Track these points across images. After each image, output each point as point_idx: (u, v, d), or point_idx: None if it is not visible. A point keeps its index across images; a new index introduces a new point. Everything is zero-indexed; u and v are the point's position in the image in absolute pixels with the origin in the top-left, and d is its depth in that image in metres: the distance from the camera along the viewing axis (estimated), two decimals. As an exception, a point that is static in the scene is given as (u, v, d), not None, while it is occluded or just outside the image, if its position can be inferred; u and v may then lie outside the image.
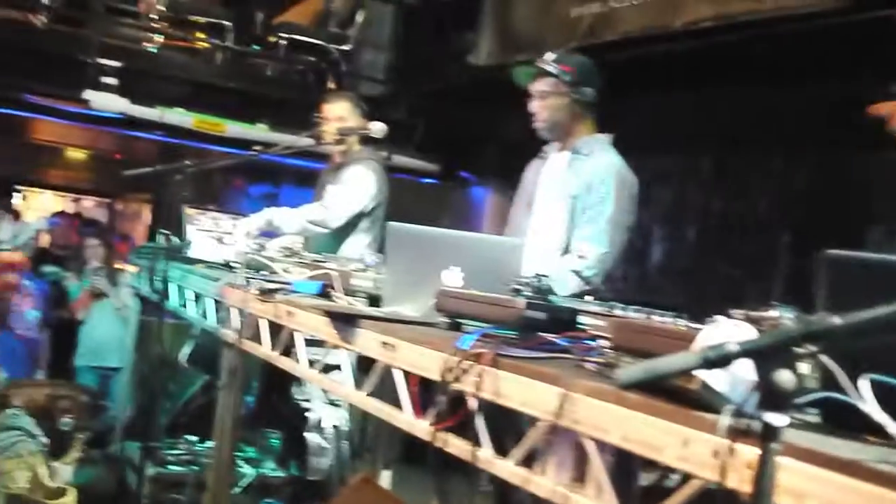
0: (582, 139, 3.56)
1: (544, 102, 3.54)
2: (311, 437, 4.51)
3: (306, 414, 4.56)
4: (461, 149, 7.82)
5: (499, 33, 6.76)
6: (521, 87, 3.64)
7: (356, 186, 4.55)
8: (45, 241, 7.67)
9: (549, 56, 3.58)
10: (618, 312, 2.16)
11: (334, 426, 4.53)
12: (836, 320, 1.04)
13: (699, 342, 1.44)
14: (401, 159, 7.48)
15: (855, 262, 1.38)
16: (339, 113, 4.65)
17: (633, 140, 6.59)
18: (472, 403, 1.91)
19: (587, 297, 2.45)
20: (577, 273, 3.36)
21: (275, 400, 4.86)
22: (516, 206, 3.82)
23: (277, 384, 4.69)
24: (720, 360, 1.04)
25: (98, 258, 6.61)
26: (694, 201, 6.02)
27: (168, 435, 4.81)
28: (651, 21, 5.43)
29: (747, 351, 1.04)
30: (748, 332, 1.42)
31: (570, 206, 3.43)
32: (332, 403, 4.45)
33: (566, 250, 3.45)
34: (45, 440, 4.70)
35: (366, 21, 8.43)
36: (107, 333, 6.44)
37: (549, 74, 3.52)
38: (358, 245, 4.58)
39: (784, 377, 1.04)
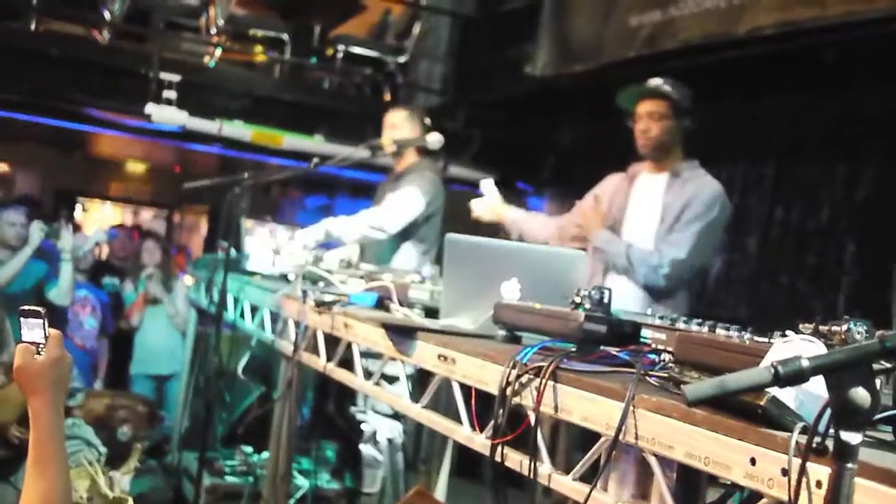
0: (680, 164, 3.76)
1: (658, 123, 3.72)
2: (366, 450, 4.50)
3: (361, 426, 4.56)
4: (518, 159, 7.79)
5: (556, 44, 6.71)
6: (623, 108, 3.83)
7: (413, 193, 4.58)
8: (103, 252, 7.79)
9: (660, 81, 3.78)
10: (680, 325, 2.12)
11: (388, 439, 4.52)
12: (917, 336, 0.99)
13: (770, 358, 1.39)
14: (457, 170, 7.46)
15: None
16: (392, 121, 4.69)
17: (694, 148, 6.53)
18: (532, 417, 1.88)
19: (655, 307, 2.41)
20: (651, 266, 3.53)
21: (330, 411, 4.86)
22: (579, 209, 3.95)
23: (333, 396, 4.70)
24: (793, 376, 1.00)
25: (154, 262, 6.68)
26: (756, 211, 5.90)
27: (224, 445, 4.85)
28: (713, 28, 5.35)
29: (821, 367, 1.00)
30: (819, 349, 1.37)
31: (667, 222, 3.62)
32: (387, 415, 4.44)
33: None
34: (103, 450, 4.75)
35: (422, 32, 8.45)
36: (159, 341, 6.51)
37: (664, 97, 3.71)
38: (413, 253, 4.60)
39: (859, 395, 1.00)
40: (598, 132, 7.30)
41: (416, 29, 8.25)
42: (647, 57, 5.86)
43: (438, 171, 5.12)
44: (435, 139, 4.20)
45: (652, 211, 3.71)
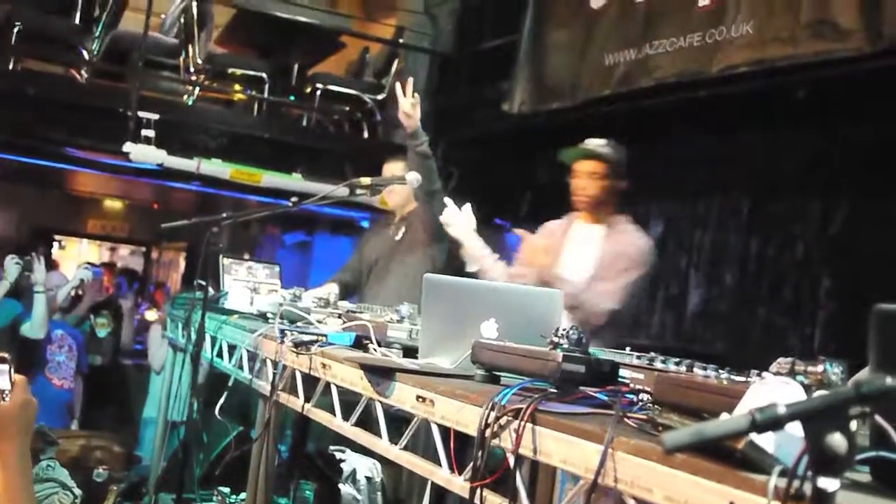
0: (614, 217, 4.01)
1: (595, 183, 3.95)
2: (345, 489, 4.47)
3: (340, 465, 4.53)
4: (495, 196, 7.83)
5: (533, 82, 6.78)
6: (564, 163, 4.06)
7: None
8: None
9: (600, 142, 4.01)
10: (658, 365, 2.12)
11: (367, 477, 4.48)
12: (890, 381, 1.00)
13: (746, 403, 1.40)
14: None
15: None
16: (393, 172, 4.72)
17: (670, 185, 6.60)
18: (511, 460, 1.87)
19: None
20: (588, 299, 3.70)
21: (309, 450, 4.83)
22: (534, 244, 4.00)
23: (311, 435, 4.67)
24: (770, 423, 1.00)
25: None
26: (732, 245, 5.95)
27: (201, 486, 4.79)
28: (687, 67, 5.43)
29: (797, 414, 1.00)
30: (796, 391, 1.38)
31: (600, 273, 3.84)
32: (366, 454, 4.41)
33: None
34: (79, 492, 4.69)
35: (401, 70, 8.51)
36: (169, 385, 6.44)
37: (603, 159, 3.95)
38: None
39: (836, 441, 1.00)
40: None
41: (395, 66, 8.30)
42: (623, 94, 5.92)
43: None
44: (413, 177, 4.22)
45: (585, 259, 3.93)
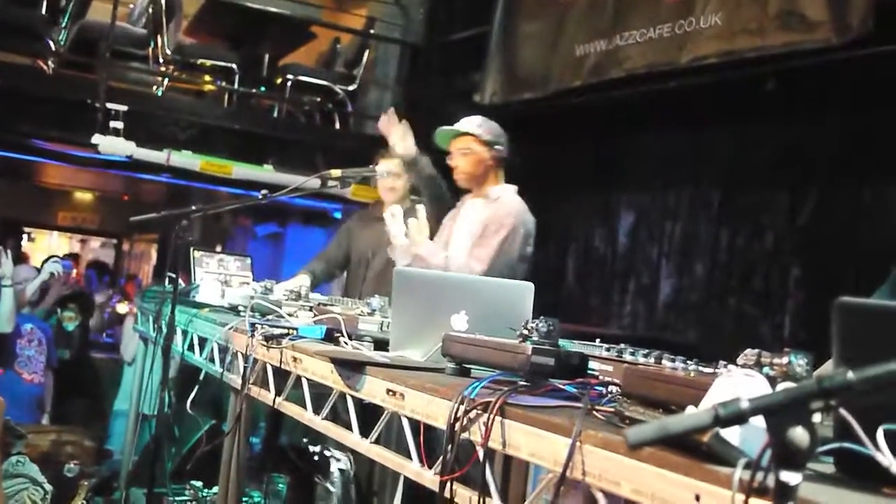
0: (493, 188, 4.13)
1: (465, 158, 4.10)
2: (319, 481, 4.46)
3: (314, 457, 4.52)
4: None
5: (504, 73, 6.79)
6: (440, 148, 4.22)
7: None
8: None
9: (464, 120, 4.18)
10: (628, 357, 2.14)
11: (340, 469, 4.48)
12: (850, 375, 1.01)
13: (711, 396, 1.41)
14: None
15: (868, 310, 1.35)
16: (390, 169, 4.71)
17: (641, 175, 6.63)
18: (481, 453, 1.88)
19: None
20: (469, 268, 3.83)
21: (282, 443, 4.82)
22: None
23: (285, 427, 4.66)
24: (732, 418, 1.01)
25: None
26: (703, 236, 5.99)
27: (173, 481, 4.76)
28: (656, 58, 5.46)
29: (760, 409, 1.01)
30: (760, 384, 1.39)
31: (474, 239, 3.99)
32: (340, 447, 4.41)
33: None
34: (49, 488, 4.66)
35: (371, 61, 8.48)
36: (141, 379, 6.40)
37: (468, 134, 4.09)
38: None
39: (798, 434, 1.01)
40: (548, 158, 7.36)
41: (366, 57, 8.27)
42: (594, 85, 5.94)
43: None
44: (384, 170, 4.22)
45: (467, 231, 4.08)
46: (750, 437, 1.32)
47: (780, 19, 4.69)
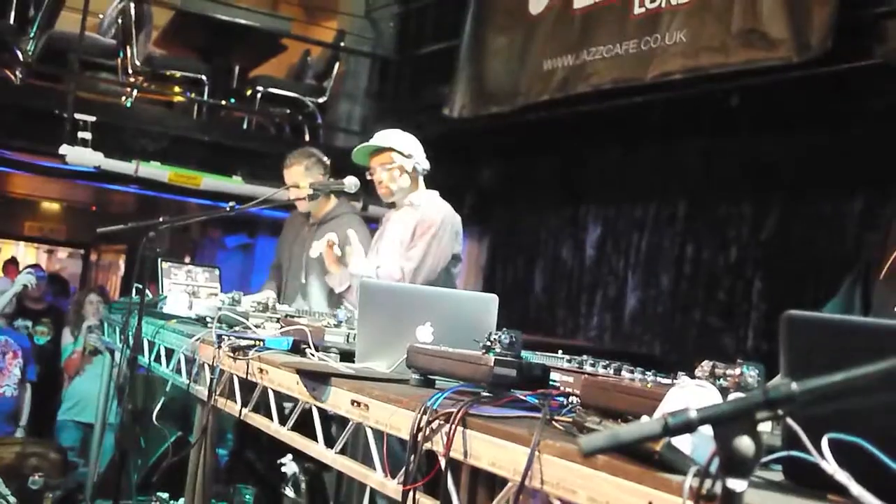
0: (416, 195, 4.21)
1: (387, 173, 4.15)
2: (287, 492, 4.46)
3: (281, 468, 4.52)
4: (452, 192, 7.87)
5: (473, 87, 6.83)
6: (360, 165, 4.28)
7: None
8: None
9: (379, 134, 4.25)
10: (588, 368, 2.18)
11: (307, 480, 4.48)
12: (794, 387, 1.05)
13: (664, 406, 1.45)
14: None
15: (815, 322, 1.40)
16: (294, 180, 4.76)
17: (608, 188, 6.70)
18: (443, 462, 1.91)
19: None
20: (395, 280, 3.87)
21: (249, 454, 4.81)
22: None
23: (252, 438, 4.64)
24: (681, 427, 1.05)
25: (97, 315, 6.52)
26: (668, 249, 6.06)
27: (139, 493, 4.75)
28: (623, 74, 5.53)
29: (707, 418, 1.05)
30: (712, 395, 1.43)
31: (404, 244, 4.04)
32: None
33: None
34: (13, 500, 4.62)
35: (342, 73, 8.50)
36: (92, 389, 6.36)
37: (386, 149, 4.15)
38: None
39: (743, 444, 1.05)
40: (516, 171, 7.43)
41: (336, 70, 8.29)
42: (561, 100, 6.00)
43: (358, 213, 5.19)
44: (352, 182, 4.23)
45: (397, 240, 4.13)
46: (701, 445, 1.36)
47: (742, 37, 4.77)
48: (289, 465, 4.50)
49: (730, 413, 1.07)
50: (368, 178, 4.24)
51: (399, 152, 4.16)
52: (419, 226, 4.04)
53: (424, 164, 4.22)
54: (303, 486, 4.43)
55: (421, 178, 4.26)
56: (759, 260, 5.45)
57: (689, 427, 1.06)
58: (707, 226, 5.79)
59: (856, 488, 1.25)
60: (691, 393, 1.44)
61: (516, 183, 7.39)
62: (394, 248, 4.13)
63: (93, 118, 6.82)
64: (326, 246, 4.15)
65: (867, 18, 4.44)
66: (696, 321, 5.80)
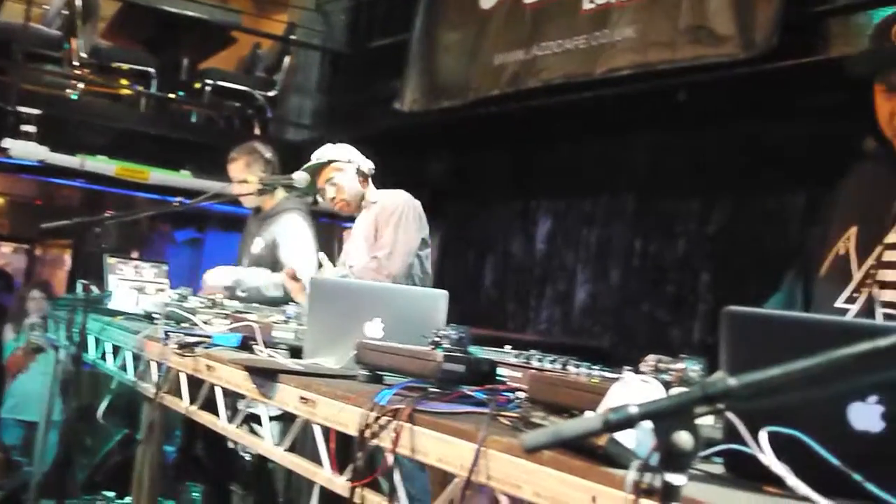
0: (369, 193, 4.17)
1: (336, 187, 4.09)
2: (235, 489, 4.44)
3: (229, 465, 4.49)
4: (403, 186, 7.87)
5: (424, 80, 6.82)
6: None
7: (307, 243, 4.65)
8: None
9: (318, 153, 4.16)
10: (535, 363, 2.19)
11: (256, 476, 4.46)
12: (732, 382, 1.06)
13: (607, 401, 1.46)
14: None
15: (754, 318, 1.42)
16: (234, 175, 4.75)
17: (558, 183, 6.73)
18: (390, 459, 1.91)
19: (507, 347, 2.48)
20: (373, 274, 3.81)
21: (198, 451, 4.77)
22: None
23: (201, 434, 4.61)
24: (621, 423, 1.06)
25: (40, 312, 6.40)
26: (618, 243, 6.12)
27: (85, 492, 4.69)
28: (573, 69, 5.55)
29: (647, 414, 1.06)
30: (655, 389, 1.45)
31: (370, 237, 3.98)
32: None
33: None
34: (-44, 500, 4.54)
35: (292, 67, 8.45)
36: (35, 387, 6.24)
37: (329, 164, 4.10)
38: None
39: (682, 439, 1.06)
40: (467, 166, 7.44)
41: (286, 63, 8.24)
42: (512, 94, 6.02)
43: (307, 208, 5.16)
44: (301, 177, 4.20)
45: (357, 238, 4.10)
46: (644, 440, 1.37)
47: (690, 34, 4.82)
48: (238, 462, 4.48)
49: (668, 408, 1.08)
50: (321, 201, 4.22)
51: (337, 162, 4.11)
52: (380, 216, 3.99)
53: (368, 165, 4.17)
54: (253, 480, 4.41)
55: (370, 179, 4.21)
56: (706, 254, 5.51)
57: (629, 423, 1.07)
58: (655, 220, 5.85)
59: (792, 480, 1.28)
60: (634, 388, 1.45)
61: (467, 177, 7.40)
62: (359, 245, 4.08)
63: (38, 111, 6.70)
64: (287, 278, 4.09)
65: (811, 16, 4.51)
66: (644, 314, 5.86)
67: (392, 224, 3.93)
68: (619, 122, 5.90)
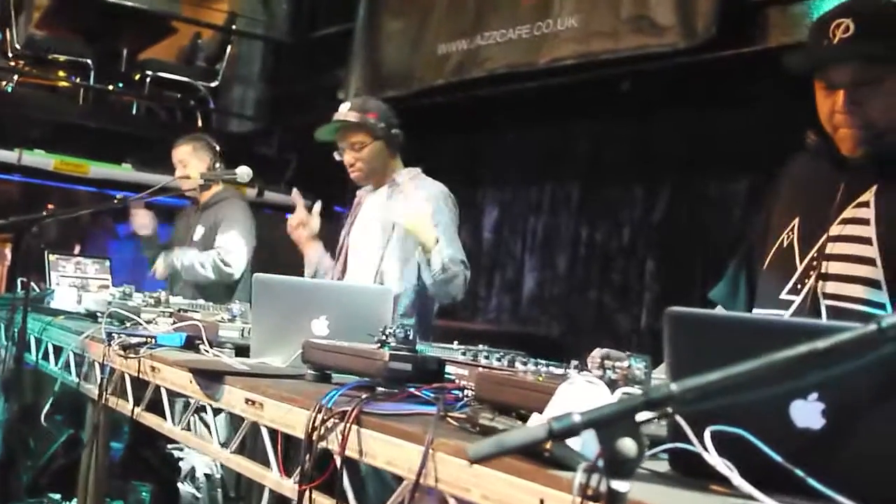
0: (398, 173, 3.73)
1: (360, 154, 3.65)
2: (184, 488, 4.39)
3: (179, 463, 4.44)
4: (334, 184, 7.81)
5: (368, 70, 6.79)
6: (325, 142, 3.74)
7: (246, 228, 4.65)
8: None
9: (348, 106, 3.70)
10: (482, 361, 2.19)
11: (206, 474, 4.42)
12: (674, 387, 1.07)
13: (554, 402, 1.47)
14: (273, 196, 7.39)
15: (697, 319, 1.43)
16: (180, 158, 4.74)
17: (504, 172, 6.74)
18: (338, 461, 1.90)
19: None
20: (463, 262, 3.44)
21: (144, 450, 4.71)
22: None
23: (147, 433, 4.55)
24: (565, 432, 1.06)
25: None
26: (564, 231, 6.15)
27: (29, 494, 4.60)
28: (516, 59, 5.56)
29: (591, 422, 1.06)
30: (600, 391, 1.46)
31: (388, 232, 3.61)
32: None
33: (375, 279, 3.59)
34: None
35: (234, 57, 8.34)
36: None
37: (358, 126, 3.63)
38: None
39: (626, 445, 1.07)
40: (412, 156, 7.41)
41: (228, 53, 8.13)
42: (456, 84, 6.02)
43: (244, 198, 5.18)
44: (244, 172, 4.16)
45: (373, 226, 3.69)
46: (590, 441, 1.38)
47: (632, 23, 4.86)
48: (186, 459, 4.43)
49: (612, 415, 1.09)
50: (338, 158, 3.70)
51: (371, 125, 3.63)
52: (436, 211, 3.44)
53: (399, 136, 3.70)
54: (202, 480, 4.37)
55: (398, 154, 3.76)
56: (650, 241, 5.57)
57: (572, 431, 1.08)
58: (601, 208, 5.89)
59: (737, 479, 1.30)
60: (580, 389, 1.46)
61: (413, 166, 7.38)
62: (373, 239, 3.67)
63: (-30, 105, 6.54)
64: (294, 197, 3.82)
65: (749, 6, 4.56)
66: (591, 301, 5.90)
67: (453, 222, 3.58)
68: (564, 111, 5.93)
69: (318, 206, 3.86)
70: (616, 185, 5.81)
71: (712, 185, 5.20)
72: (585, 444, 1.39)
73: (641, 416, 1.10)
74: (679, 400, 1.09)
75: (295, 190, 3.96)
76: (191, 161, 4.76)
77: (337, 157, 3.71)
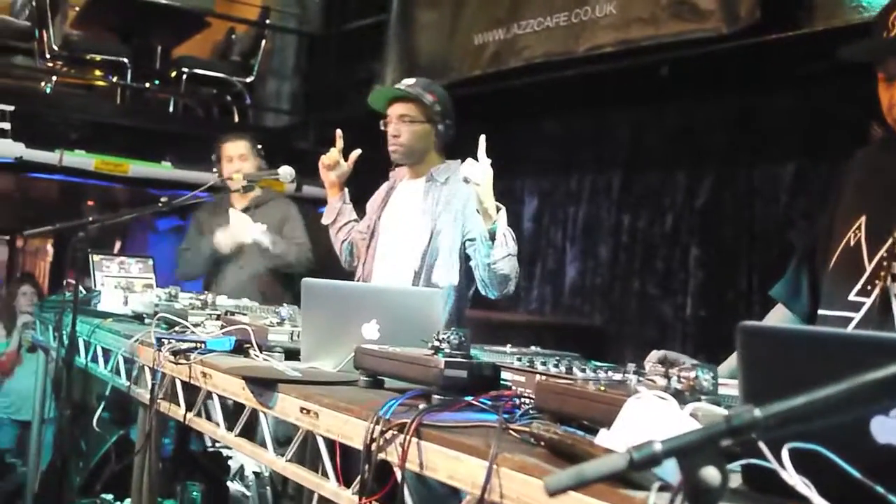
0: (437, 167, 3.63)
1: (408, 127, 3.56)
2: (234, 486, 4.41)
3: (227, 462, 4.47)
4: (370, 177, 7.80)
5: (403, 62, 6.75)
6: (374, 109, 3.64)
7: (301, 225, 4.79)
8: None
9: (413, 81, 3.63)
10: (539, 367, 2.16)
11: (255, 472, 4.44)
12: (757, 413, 1.04)
13: (623, 417, 1.44)
14: (311, 189, 7.39)
15: (770, 334, 1.40)
16: (239, 153, 4.72)
17: (543, 162, 6.69)
18: (399, 474, 1.88)
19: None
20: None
21: (193, 450, 4.75)
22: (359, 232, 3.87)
23: (196, 433, 4.58)
24: (647, 462, 1.04)
25: (31, 307, 6.30)
26: (606, 219, 6.10)
27: (83, 495, 4.65)
28: (554, 47, 5.50)
29: (673, 451, 1.04)
30: (670, 407, 1.43)
31: (431, 229, 3.52)
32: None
33: (420, 271, 3.52)
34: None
35: (268, 51, 8.35)
36: (29, 386, 6.17)
37: (416, 100, 3.55)
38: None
39: (710, 474, 1.04)
40: (451, 147, 7.38)
41: (262, 47, 8.13)
42: (493, 74, 5.97)
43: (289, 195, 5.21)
44: (287, 173, 4.15)
45: (410, 218, 3.62)
46: (669, 465, 1.35)
47: (672, 9, 4.78)
48: (235, 457, 4.46)
49: (694, 444, 1.06)
50: (382, 128, 3.61)
51: (430, 109, 3.56)
52: (470, 205, 3.34)
53: (452, 131, 3.63)
54: (251, 478, 4.39)
55: (442, 148, 3.66)
56: (693, 227, 5.50)
57: (654, 461, 1.05)
58: (642, 195, 5.83)
59: (817, 499, 1.26)
60: (649, 405, 1.43)
61: (451, 157, 7.35)
62: (409, 231, 3.57)
63: (11, 107, 6.58)
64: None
65: (793, -12, 4.48)
66: (634, 290, 5.85)
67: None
68: (603, 98, 5.86)
69: (355, 153, 3.85)
70: (658, 171, 5.74)
71: (756, 170, 5.12)
72: (664, 466, 1.36)
73: (724, 444, 1.07)
74: (763, 426, 1.05)
75: (339, 131, 3.90)
76: (250, 155, 4.77)
77: (382, 126, 3.61)
